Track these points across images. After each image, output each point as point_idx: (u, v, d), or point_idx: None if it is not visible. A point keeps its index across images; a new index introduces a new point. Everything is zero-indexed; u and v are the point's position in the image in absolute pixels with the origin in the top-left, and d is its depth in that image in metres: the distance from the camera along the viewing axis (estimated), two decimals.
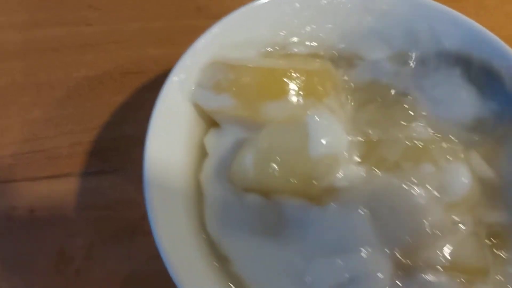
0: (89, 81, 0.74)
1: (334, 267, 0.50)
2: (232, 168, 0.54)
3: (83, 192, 0.65)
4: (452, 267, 0.53)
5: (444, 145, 0.56)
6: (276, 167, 0.52)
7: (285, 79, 0.57)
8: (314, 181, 0.52)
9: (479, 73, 0.60)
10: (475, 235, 0.55)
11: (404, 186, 0.52)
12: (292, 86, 0.57)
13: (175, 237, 0.50)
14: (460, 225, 0.55)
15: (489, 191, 0.59)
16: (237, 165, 0.53)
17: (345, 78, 0.62)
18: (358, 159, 0.55)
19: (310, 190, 0.52)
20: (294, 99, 0.57)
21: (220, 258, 0.53)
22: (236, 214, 0.53)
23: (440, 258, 0.53)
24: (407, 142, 0.56)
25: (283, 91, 0.57)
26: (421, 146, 0.55)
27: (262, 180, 0.52)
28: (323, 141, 0.52)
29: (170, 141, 0.54)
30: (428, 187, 0.53)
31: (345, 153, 0.54)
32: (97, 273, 0.61)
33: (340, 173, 0.54)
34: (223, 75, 0.57)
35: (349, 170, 0.54)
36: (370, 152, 0.56)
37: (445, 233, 0.53)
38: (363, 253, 0.51)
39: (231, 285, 0.52)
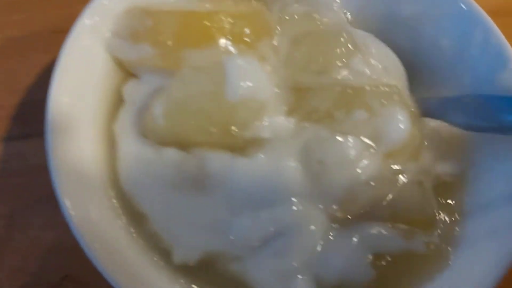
0: (16, 41, 0.69)
1: (260, 220, 0.47)
2: (144, 120, 0.49)
3: (5, 158, 0.61)
4: (394, 218, 0.50)
5: (381, 88, 0.51)
6: (189, 115, 0.48)
7: (208, 24, 0.52)
8: (234, 128, 0.48)
9: None
10: (420, 184, 0.51)
11: (335, 137, 0.48)
12: (218, 31, 0.52)
13: (82, 196, 0.46)
14: (401, 174, 0.50)
15: (440, 142, 0.55)
16: (149, 117, 0.49)
17: (279, 14, 0.57)
18: (286, 110, 0.51)
19: (232, 140, 0.48)
20: (220, 45, 0.52)
21: (135, 216, 0.49)
22: (153, 168, 0.49)
23: (380, 209, 0.49)
24: (339, 89, 0.51)
25: (207, 37, 0.52)
26: (354, 92, 0.51)
27: (175, 131, 0.48)
28: (242, 84, 0.48)
29: (79, 88, 0.50)
30: (362, 137, 0.49)
31: (270, 100, 0.50)
32: (19, 242, 0.57)
33: (265, 122, 0.49)
34: (140, 23, 0.53)
35: (277, 121, 0.50)
36: (300, 102, 0.51)
37: (384, 183, 0.49)
38: (292, 206, 0.47)
39: (145, 245, 0.48)
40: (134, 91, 0.53)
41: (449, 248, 0.51)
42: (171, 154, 0.48)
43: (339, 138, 0.48)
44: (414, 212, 0.50)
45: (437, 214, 0.51)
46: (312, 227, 0.48)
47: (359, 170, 0.48)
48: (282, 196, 0.47)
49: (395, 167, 0.50)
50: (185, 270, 0.47)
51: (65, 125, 0.47)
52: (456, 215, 0.52)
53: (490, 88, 0.53)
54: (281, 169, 0.48)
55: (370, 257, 0.48)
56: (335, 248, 0.48)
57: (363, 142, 0.48)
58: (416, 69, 0.57)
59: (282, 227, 0.47)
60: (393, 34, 0.58)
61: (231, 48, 0.52)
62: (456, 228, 0.52)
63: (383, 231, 0.49)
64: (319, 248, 0.48)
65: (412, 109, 0.51)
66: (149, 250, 0.48)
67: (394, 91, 0.51)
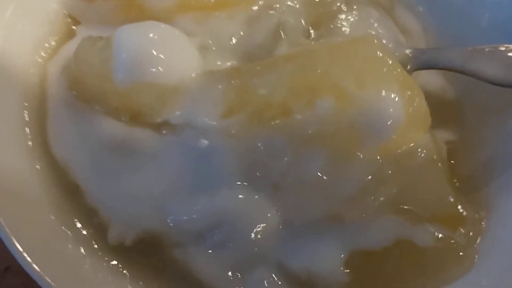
0: None
1: (198, 205, 0.40)
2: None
3: None
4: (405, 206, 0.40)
5: (354, 47, 0.40)
6: (91, 95, 0.42)
7: None
8: (141, 112, 0.41)
9: None
10: (434, 163, 0.41)
11: (295, 154, 0.39)
12: None
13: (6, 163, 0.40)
14: (409, 157, 0.40)
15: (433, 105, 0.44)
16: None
17: None
18: (224, 105, 0.41)
19: (143, 122, 0.41)
20: None
21: (69, 187, 0.43)
22: (84, 129, 0.43)
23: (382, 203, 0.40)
24: (295, 63, 0.40)
25: None
26: (315, 65, 0.40)
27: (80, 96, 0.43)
28: (134, 66, 0.40)
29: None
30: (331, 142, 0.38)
31: (190, 84, 0.41)
32: None
33: (182, 110, 0.41)
34: None
35: (203, 113, 0.41)
36: (245, 93, 0.40)
37: (382, 180, 0.39)
38: (237, 194, 0.40)
39: (83, 223, 0.42)
40: (88, 32, 0.46)
41: (475, 245, 0.41)
42: (103, 118, 0.42)
43: (297, 154, 0.38)
44: (430, 198, 0.41)
45: (458, 203, 0.42)
46: (262, 218, 0.40)
47: (330, 192, 0.39)
48: (220, 184, 0.40)
49: (400, 150, 0.40)
50: (121, 252, 0.41)
51: None
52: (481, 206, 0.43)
53: None
54: (213, 160, 0.40)
55: (343, 255, 0.40)
56: (304, 241, 0.40)
57: (336, 152, 0.38)
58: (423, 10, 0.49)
59: (224, 213, 0.39)
60: None
61: None
62: (482, 223, 0.42)
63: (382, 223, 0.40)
64: (277, 240, 0.40)
65: (402, 77, 0.40)
66: (82, 228, 0.42)
67: (372, 48, 0.39)
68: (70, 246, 0.40)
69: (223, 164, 0.39)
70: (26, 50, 0.45)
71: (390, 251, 0.39)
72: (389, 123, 0.38)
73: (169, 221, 0.40)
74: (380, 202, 0.39)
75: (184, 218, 0.40)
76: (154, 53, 0.40)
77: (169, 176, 0.40)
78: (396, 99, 0.38)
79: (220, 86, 0.40)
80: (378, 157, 0.39)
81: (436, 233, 0.40)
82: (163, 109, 0.40)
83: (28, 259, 0.35)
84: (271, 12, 0.46)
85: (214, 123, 0.39)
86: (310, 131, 0.38)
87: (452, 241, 0.40)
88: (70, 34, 0.48)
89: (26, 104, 0.44)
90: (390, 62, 0.39)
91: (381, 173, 0.39)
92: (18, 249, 0.36)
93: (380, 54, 0.39)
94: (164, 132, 0.41)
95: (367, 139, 0.38)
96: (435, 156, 0.40)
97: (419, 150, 0.40)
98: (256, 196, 0.39)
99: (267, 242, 0.39)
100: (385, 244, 0.39)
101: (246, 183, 0.39)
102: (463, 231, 0.41)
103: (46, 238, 0.39)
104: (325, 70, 0.39)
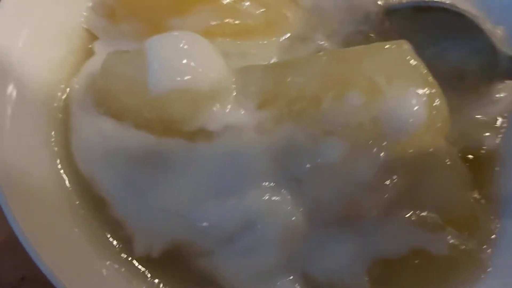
0: None
1: (226, 207, 0.41)
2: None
3: None
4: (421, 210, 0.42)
5: (385, 48, 0.42)
6: (121, 109, 0.43)
7: None
8: (174, 121, 0.42)
9: None
10: (451, 168, 0.43)
11: (312, 145, 0.41)
12: None
13: (26, 181, 0.40)
14: (425, 159, 0.42)
15: None
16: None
17: None
18: (258, 99, 0.43)
19: (176, 132, 0.42)
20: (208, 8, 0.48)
21: (94, 200, 0.43)
22: (112, 142, 0.43)
23: (401, 203, 0.42)
24: (329, 56, 0.43)
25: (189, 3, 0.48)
26: (347, 60, 0.42)
27: (107, 110, 0.44)
28: (167, 74, 0.41)
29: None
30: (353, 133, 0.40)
31: (224, 86, 0.43)
32: None
33: (217, 113, 0.42)
34: None
35: (235, 114, 0.42)
36: (279, 86, 0.43)
37: (399, 177, 0.41)
38: (262, 194, 0.41)
39: (108, 236, 0.42)
40: (106, 48, 0.47)
41: (488, 250, 0.43)
42: (131, 130, 0.43)
43: (317, 146, 0.40)
44: (445, 203, 0.43)
45: (472, 208, 0.44)
46: (288, 220, 0.41)
47: (350, 180, 0.40)
48: (248, 185, 0.41)
49: (417, 151, 0.41)
50: (149, 263, 0.42)
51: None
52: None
53: None
54: (244, 161, 0.42)
55: (366, 264, 0.41)
56: (326, 248, 0.41)
57: (355, 142, 0.40)
58: None
59: (252, 216, 0.41)
60: None
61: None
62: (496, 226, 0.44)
63: (398, 228, 0.41)
64: (301, 245, 0.41)
65: (427, 81, 0.42)
66: (110, 241, 0.42)
67: (404, 50, 0.42)
68: (95, 258, 0.40)
69: (253, 164, 0.41)
70: (48, 67, 0.46)
71: (406, 259, 0.41)
72: (410, 120, 0.40)
73: (197, 228, 0.40)
74: (394, 198, 0.41)
75: (211, 224, 0.40)
76: (188, 59, 0.41)
77: (199, 184, 0.41)
78: (420, 99, 0.40)
79: (255, 78, 0.43)
80: (395, 154, 0.40)
81: (450, 239, 0.41)
82: (199, 114, 0.42)
83: (53, 271, 0.36)
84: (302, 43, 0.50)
85: (250, 115, 0.41)
86: (336, 123, 0.40)
87: (465, 247, 0.42)
88: (90, 50, 0.48)
89: (51, 120, 0.45)
90: (419, 65, 0.42)
91: (396, 170, 0.41)
92: (42, 261, 0.36)
93: (409, 58, 0.41)
94: (197, 140, 0.42)
95: (387, 134, 0.40)
96: (450, 161, 0.42)
97: (435, 152, 0.42)
98: (281, 195, 0.41)
99: (291, 246, 0.40)
100: (401, 252, 0.41)
101: (272, 182, 0.41)
102: (476, 237, 0.42)
103: (71, 251, 0.40)
104: (358, 65, 0.42)
